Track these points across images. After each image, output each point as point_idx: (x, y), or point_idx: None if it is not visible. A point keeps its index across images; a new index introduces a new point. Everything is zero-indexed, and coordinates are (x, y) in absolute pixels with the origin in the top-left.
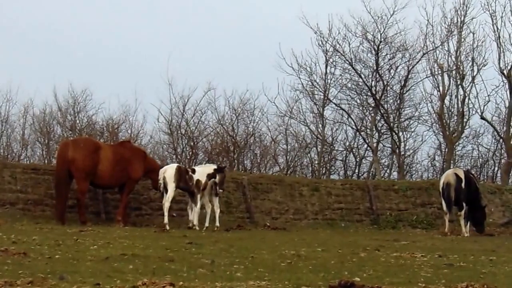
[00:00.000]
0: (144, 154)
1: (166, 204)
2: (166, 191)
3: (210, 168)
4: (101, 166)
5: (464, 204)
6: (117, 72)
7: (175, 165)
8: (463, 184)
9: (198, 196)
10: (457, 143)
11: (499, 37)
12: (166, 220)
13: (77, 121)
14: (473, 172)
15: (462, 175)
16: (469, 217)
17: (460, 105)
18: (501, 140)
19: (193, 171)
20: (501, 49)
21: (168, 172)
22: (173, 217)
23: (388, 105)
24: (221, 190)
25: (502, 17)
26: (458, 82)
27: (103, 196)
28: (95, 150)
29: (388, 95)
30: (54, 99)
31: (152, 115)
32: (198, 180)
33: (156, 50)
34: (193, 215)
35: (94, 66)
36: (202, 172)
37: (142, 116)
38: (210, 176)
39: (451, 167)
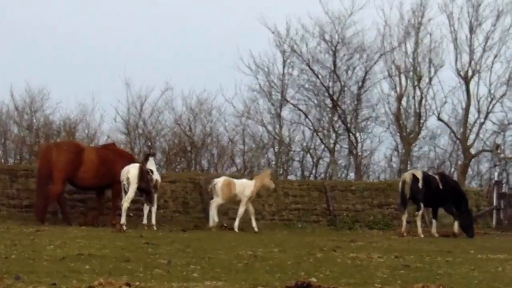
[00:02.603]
0: (130, 157)
1: (125, 204)
2: (126, 191)
3: (153, 163)
4: (84, 167)
5: (421, 204)
6: (75, 71)
7: (137, 165)
8: (420, 184)
9: (155, 196)
10: (414, 144)
11: (456, 38)
12: (123, 220)
13: (34, 121)
14: (446, 174)
15: (419, 176)
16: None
17: (417, 106)
18: (457, 141)
19: (152, 172)
20: (458, 51)
21: (132, 172)
22: (130, 217)
23: (345, 105)
24: None
25: (459, 18)
26: (415, 83)
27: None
28: (77, 152)
29: (346, 96)
30: (11, 98)
31: (110, 115)
32: (156, 180)
33: (113, 50)
34: (149, 214)
35: (51, 65)
36: (156, 171)
37: (99, 116)
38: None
39: (408, 168)
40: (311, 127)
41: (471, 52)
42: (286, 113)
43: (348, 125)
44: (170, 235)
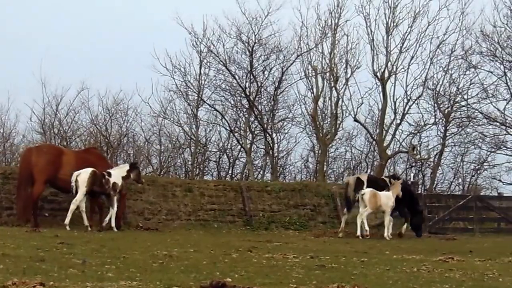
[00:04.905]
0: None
1: (72, 205)
2: (73, 193)
3: (123, 170)
4: (63, 170)
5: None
6: None
7: (89, 170)
8: (364, 187)
9: (115, 198)
10: (330, 145)
11: (373, 39)
12: (67, 220)
13: None
14: (402, 179)
15: (364, 179)
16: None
17: (333, 107)
18: (374, 142)
19: (109, 175)
20: (375, 52)
21: (82, 176)
22: (46, 217)
23: (262, 106)
24: (140, 184)
25: (376, 20)
26: (332, 84)
27: None
28: (57, 155)
29: (262, 97)
30: None
31: (25, 115)
32: (114, 183)
33: (29, 49)
34: (110, 217)
35: None
36: (117, 175)
37: (14, 116)
38: (124, 178)
39: (324, 169)
40: (228, 128)
41: (388, 53)
42: (202, 113)
43: (265, 125)
44: (85, 235)
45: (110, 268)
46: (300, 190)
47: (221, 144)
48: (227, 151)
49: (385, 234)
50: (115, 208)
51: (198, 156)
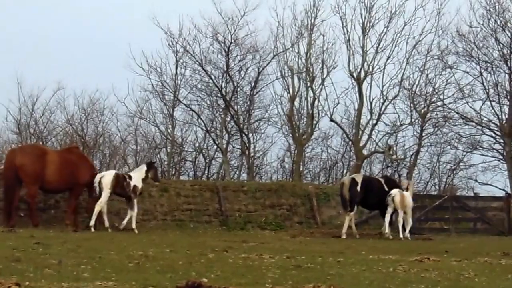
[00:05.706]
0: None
1: (97, 207)
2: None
3: (142, 172)
4: (48, 170)
5: (355, 206)
6: None
7: (113, 172)
8: (358, 188)
9: (135, 201)
10: (306, 145)
11: (349, 39)
12: (92, 222)
13: None
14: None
15: (359, 179)
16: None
17: (309, 107)
18: (350, 142)
19: (130, 177)
20: (351, 52)
21: (106, 178)
22: (21, 217)
23: (238, 106)
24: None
25: (352, 20)
26: (308, 84)
27: None
28: (41, 155)
29: (238, 97)
30: None
31: (1, 114)
32: (135, 186)
33: (4, 48)
34: (130, 220)
35: None
36: (138, 178)
37: None
38: (144, 180)
39: (300, 169)
40: (204, 128)
41: (364, 53)
42: (178, 113)
43: (241, 125)
44: (61, 235)
45: (86, 268)
46: (276, 190)
47: (197, 144)
48: (203, 151)
49: (406, 233)
50: (135, 210)
51: (174, 156)
